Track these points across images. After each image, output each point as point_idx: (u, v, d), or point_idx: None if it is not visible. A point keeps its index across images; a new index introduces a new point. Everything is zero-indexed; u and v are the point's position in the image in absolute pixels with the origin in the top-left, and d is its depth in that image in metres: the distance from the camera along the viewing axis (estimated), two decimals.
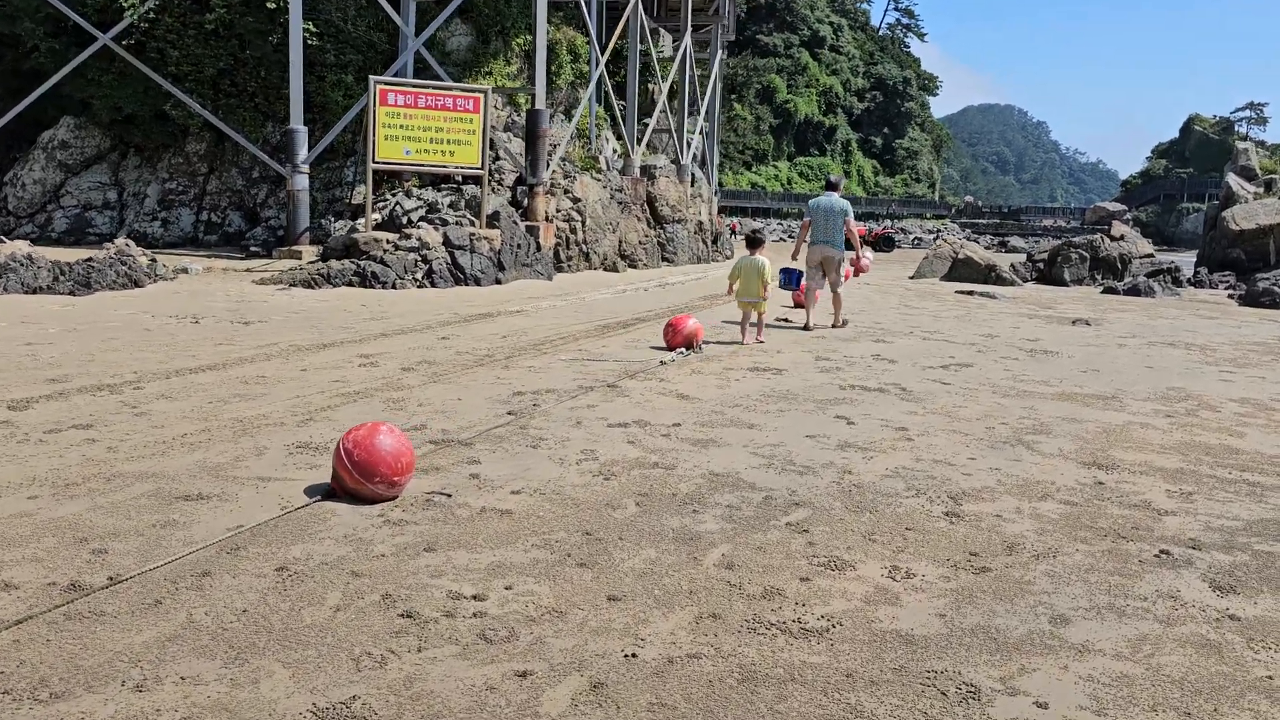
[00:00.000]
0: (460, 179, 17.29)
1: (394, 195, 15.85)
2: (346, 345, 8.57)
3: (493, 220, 14.59)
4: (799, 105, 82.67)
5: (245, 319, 9.80)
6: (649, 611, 3.26)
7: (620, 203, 18.83)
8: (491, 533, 3.96)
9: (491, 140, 16.99)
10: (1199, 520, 4.50)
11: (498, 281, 14.15)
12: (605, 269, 17.76)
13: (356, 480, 4.29)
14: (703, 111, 25.29)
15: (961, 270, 22.73)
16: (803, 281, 11.13)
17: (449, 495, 4.46)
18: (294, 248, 14.94)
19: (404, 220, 14.32)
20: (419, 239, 13.43)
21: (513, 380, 7.24)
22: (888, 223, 72.79)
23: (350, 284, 12.79)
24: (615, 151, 20.32)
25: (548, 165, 16.03)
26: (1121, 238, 23.17)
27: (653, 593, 3.41)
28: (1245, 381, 8.64)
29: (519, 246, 14.85)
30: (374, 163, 13.85)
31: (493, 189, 16.86)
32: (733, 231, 36.21)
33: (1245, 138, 75.11)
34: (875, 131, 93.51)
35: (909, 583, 3.61)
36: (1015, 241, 61.66)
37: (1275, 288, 18.31)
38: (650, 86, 22.41)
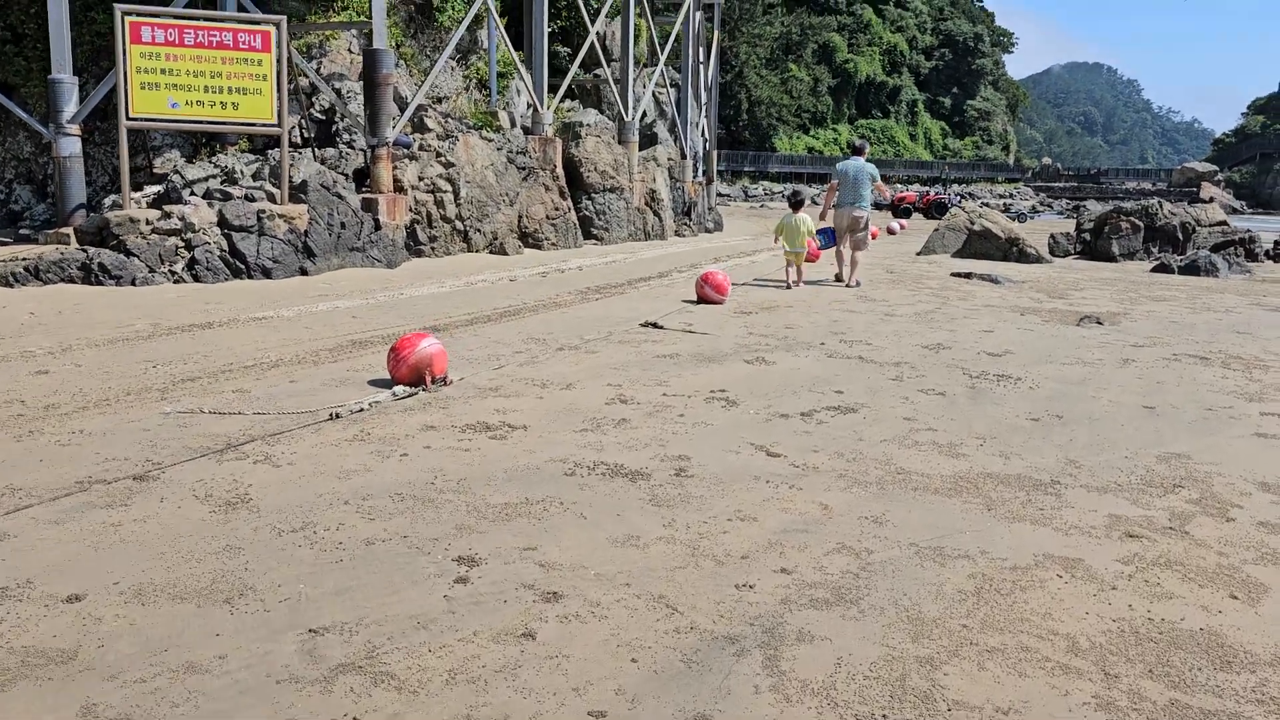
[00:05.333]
0: (306, 138, 14.65)
1: (214, 161, 13.16)
2: None
3: (300, 192, 11.76)
4: (860, 65, 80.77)
5: None
6: None
7: (523, 168, 15.88)
8: None
9: (337, 91, 14.19)
10: None
11: (302, 272, 11.34)
12: (492, 251, 14.83)
13: None
14: (662, 60, 22.12)
15: (977, 244, 19.46)
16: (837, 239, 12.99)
17: None
18: (62, 230, 12.26)
19: (186, 194, 11.57)
20: (181, 218, 10.67)
21: None
22: (942, 187, 68.93)
23: (71, 279, 10.07)
24: (530, 106, 17.35)
25: (394, 121, 13.12)
26: (1211, 200, 20.04)
27: None
28: None
29: (343, 226, 12.01)
30: (128, 120, 11.06)
31: (340, 153, 14.07)
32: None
33: None
34: (944, 91, 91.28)
35: None
36: (1091, 206, 57.60)
37: None
38: (582, 29, 19.31)
